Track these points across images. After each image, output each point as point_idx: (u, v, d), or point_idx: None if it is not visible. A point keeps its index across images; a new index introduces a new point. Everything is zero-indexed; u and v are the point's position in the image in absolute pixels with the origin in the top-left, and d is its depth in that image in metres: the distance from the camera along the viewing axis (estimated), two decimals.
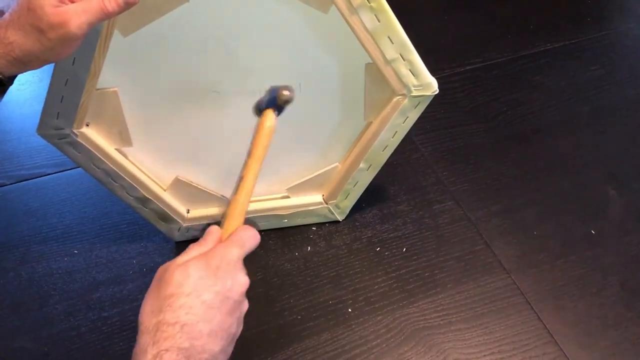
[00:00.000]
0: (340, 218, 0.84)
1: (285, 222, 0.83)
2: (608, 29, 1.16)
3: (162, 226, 0.80)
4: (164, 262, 0.80)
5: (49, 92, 0.63)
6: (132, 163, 0.73)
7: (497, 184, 0.88)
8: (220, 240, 0.55)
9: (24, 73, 1.15)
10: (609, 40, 1.13)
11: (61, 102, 0.63)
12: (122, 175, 0.72)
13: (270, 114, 0.59)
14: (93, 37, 0.58)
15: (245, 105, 0.71)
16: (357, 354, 0.70)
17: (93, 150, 0.69)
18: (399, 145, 0.75)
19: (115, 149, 0.71)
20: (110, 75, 0.65)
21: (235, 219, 0.56)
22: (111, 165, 0.71)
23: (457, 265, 0.78)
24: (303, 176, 0.80)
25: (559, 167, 0.91)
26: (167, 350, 0.47)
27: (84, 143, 0.68)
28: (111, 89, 0.66)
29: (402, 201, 0.86)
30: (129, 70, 0.66)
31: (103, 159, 0.70)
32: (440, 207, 0.86)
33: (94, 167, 0.71)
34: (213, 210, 0.80)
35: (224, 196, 0.79)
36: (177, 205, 0.79)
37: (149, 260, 0.81)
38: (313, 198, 0.82)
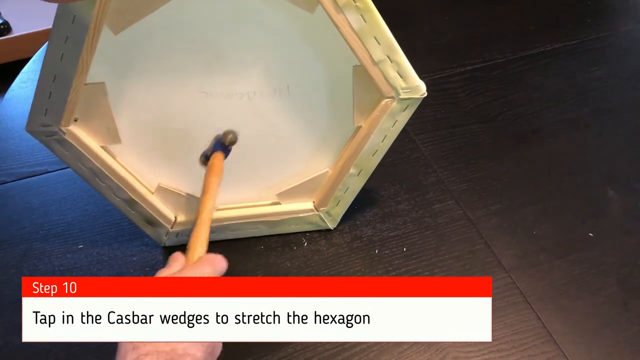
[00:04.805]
0: (331, 226, 0.83)
1: (275, 230, 0.82)
2: (609, 30, 1.16)
3: (149, 230, 0.79)
4: (165, 259, 0.81)
5: (37, 88, 0.63)
6: (119, 163, 0.73)
7: (497, 184, 0.89)
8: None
9: (26, 70, 1.15)
10: (610, 41, 1.13)
11: (49, 98, 0.63)
12: (109, 175, 0.72)
13: (218, 155, 0.67)
14: (81, 33, 0.58)
15: (231, 108, 0.71)
16: (356, 352, 0.70)
17: (80, 149, 0.68)
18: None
19: (104, 148, 0.71)
20: (98, 69, 0.64)
21: (198, 248, 0.58)
22: (98, 165, 0.70)
23: (457, 265, 0.79)
24: (293, 182, 0.79)
25: (559, 167, 0.91)
26: (146, 354, 0.47)
27: (71, 141, 0.67)
28: (98, 83, 0.65)
29: (403, 200, 0.87)
30: (116, 67, 0.65)
31: (90, 157, 0.69)
32: (441, 206, 0.86)
33: (81, 166, 0.70)
34: None
35: None
36: (164, 209, 0.78)
37: (150, 258, 0.81)
38: (304, 205, 0.81)
